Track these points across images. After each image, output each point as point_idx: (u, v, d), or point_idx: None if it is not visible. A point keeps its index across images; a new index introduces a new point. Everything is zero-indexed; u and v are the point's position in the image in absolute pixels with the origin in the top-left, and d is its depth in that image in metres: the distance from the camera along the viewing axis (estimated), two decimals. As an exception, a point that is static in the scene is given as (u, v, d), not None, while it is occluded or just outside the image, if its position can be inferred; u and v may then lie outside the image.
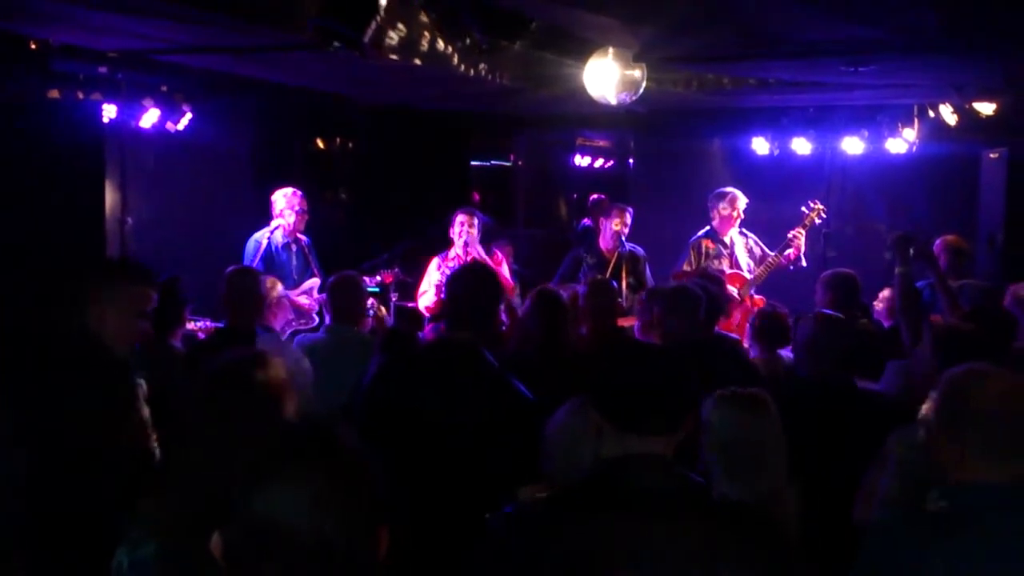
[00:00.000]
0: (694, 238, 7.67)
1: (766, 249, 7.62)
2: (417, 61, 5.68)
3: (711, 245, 7.59)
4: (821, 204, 7.63)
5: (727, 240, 7.61)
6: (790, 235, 7.45)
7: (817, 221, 7.63)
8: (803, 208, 7.63)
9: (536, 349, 4.60)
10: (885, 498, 3.26)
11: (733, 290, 7.20)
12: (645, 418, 2.12)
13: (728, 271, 7.40)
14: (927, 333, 4.13)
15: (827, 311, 4.83)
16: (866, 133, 8.95)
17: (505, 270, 7.64)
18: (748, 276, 7.45)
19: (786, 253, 7.44)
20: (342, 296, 5.17)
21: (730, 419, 3.12)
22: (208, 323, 5.84)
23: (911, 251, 5.12)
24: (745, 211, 7.63)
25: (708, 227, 7.67)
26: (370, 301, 5.75)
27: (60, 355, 3.12)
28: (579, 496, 2.12)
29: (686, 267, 7.44)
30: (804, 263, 7.51)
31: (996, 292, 6.16)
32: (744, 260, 7.60)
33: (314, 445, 1.63)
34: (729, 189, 7.72)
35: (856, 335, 5.00)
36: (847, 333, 4.52)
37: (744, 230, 7.71)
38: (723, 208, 7.60)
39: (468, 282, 3.67)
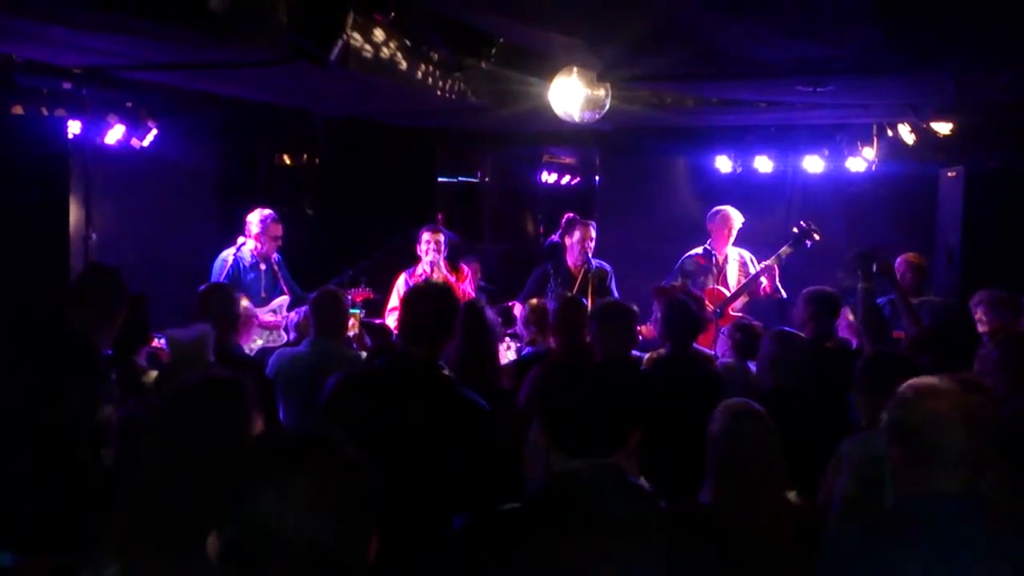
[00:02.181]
0: (686, 254, 7.73)
1: (757, 266, 7.64)
2: (383, 78, 5.72)
3: (701, 261, 7.65)
4: (814, 224, 7.52)
5: (720, 257, 7.68)
6: (763, 265, 7.48)
7: (807, 244, 7.50)
8: (794, 228, 7.61)
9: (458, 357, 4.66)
10: (842, 498, 3.36)
11: (709, 306, 7.29)
12: (586, 442, 2.16)
13: (710, 287, 7.47)
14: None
15: (786, 328, 4.91)
16: (826, 152, 9.09)
17: (468, 287, 7.68)
18: (726, 294, 7.53)
19: (761, 285, 7.47)
20: (324, 311, 5.18)
21: (733, 429, 3.19)
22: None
23: (873, 267, 5.22)
24: (741, 229, 7.67)
25: (706, 243, 7.73)
26: (351, 320, 5.76)
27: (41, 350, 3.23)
28: (532, 512, 2.15)
29: (675, 284, 7.49)
30: (783, 294, 7.45)
31: (955, 308, 6.29)
32: (735, 277, 7.65)
33: (308, 448, 1.66)
34: (724, 207, 7.77)
35: (816, 351, 5.09)
36: (804, 349, 4.61)
37: (741, 249, 7.76)
38: (716, 226, 7.68)
39: (424, 298, 3.74)
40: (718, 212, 7.75)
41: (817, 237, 7.52)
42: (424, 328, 3.58)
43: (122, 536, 2.35)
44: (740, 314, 7.36)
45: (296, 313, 6.75)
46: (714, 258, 7.65)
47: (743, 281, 7.60)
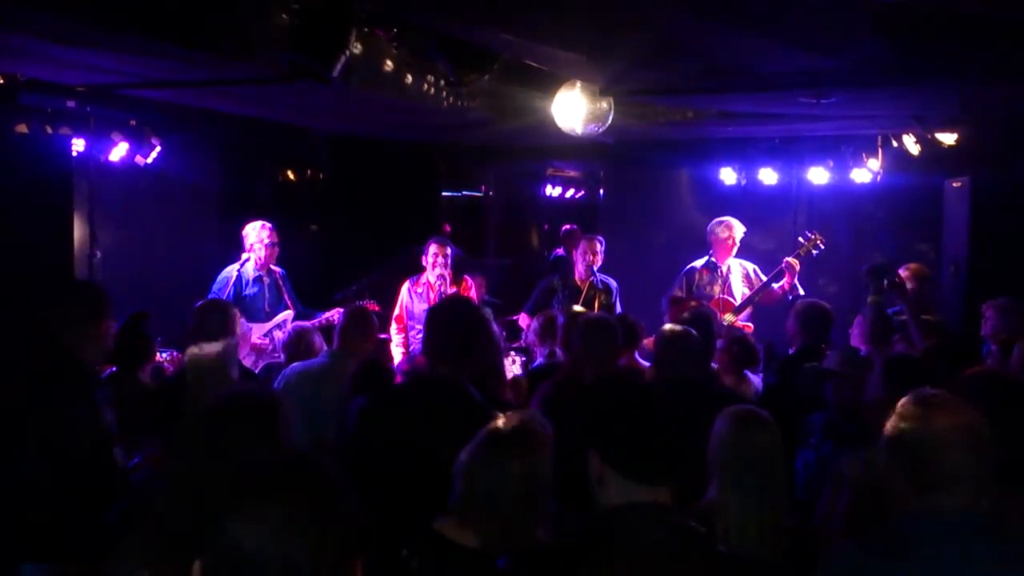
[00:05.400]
0: (689, 266, 7.70)
1: (764, 277, 7.62)
2: (385, 94, 5.72)
3: (705, 273, 7.63)
4: (820, 235, 7.58)
5: (723, 268, 7.65)
6: (785, 262, 7.42)
7: (814, 252, 7.56)
8: (799, 238, 7.63)
9: None
10: (844, 518, 3.31)
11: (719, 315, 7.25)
12: (654, 466, 2.11)
13: (717, 296, 7.44)
14: (878, 360, 4.20)
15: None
16: (831, 163, 9.09)
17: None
18: (735, 302, 7.49)
19: (780, 284, 7.42)
20: (352, 326, 5.23)
21: (741, 436, 3.16)
22: (175, 354, 5.81)
23: (884, 282, 5.24)
24: (746, 240, 7.66)
25: (708, 254, 7.71)
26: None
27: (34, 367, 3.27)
28: (587, 545, 2.09)
29: (677, 292, 7.48)
30: (800, 292, 7.38)
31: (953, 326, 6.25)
32: (739, 288, 7.61)
33: (282, 474, 1.64)
34: (725, 217, 7.73)
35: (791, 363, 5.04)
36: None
37: (743, 260, 7.73)
38: (719, 236, 7.64)
39: (448, 315, 3.64)
40: (721, 222, 7.70)
41: (822, 246, 7.56)
42: (450, 347, 3.51)
43: (153, 546, 2.34)
44: (750, 324, 7.33)
45: (285, 333, 6.63)
46: (718, 269, 7.65)
47: (747, 292, 7.56)
